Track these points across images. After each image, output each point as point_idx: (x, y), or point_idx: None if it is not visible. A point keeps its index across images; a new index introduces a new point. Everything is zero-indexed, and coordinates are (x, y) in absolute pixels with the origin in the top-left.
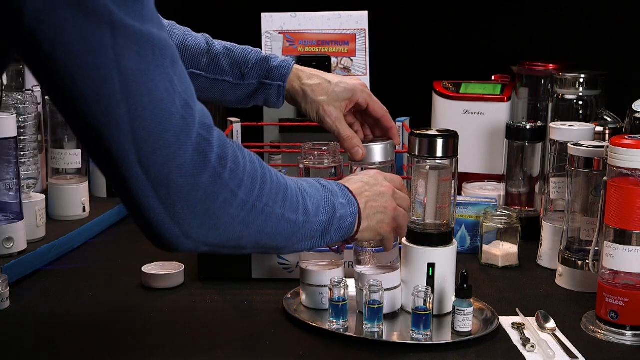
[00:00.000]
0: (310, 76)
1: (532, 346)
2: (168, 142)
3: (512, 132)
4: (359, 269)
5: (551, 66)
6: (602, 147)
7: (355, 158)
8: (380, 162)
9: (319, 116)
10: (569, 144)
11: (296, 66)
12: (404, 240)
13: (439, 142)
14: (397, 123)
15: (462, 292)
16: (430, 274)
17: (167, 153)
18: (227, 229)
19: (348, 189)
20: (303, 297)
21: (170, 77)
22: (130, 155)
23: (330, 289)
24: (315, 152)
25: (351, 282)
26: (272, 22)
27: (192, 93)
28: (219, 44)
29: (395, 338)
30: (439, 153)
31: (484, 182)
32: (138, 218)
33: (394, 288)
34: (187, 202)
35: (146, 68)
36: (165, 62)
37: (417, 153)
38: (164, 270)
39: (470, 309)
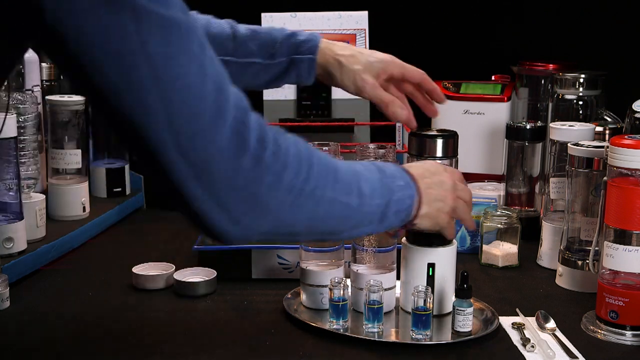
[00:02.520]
0: (343, 47)
1: (532, 346)
2: (204, 127)
3: (512, 132)
4: (355, 267)
5: (551, 66)
6: (602, 147)
7: (400, 119)
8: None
9: (356, 85)
10: (569, 144)
11: (324, 40)
12: (403, 240)
13: (439, 142)
14: (397, 123)
15: (462, 292)
16: (430, 274)
17: (204, 137)
18: (276, 215)
19: (407, 171)
20: (303, 297)
21: (199, 61)
22: (168, 143)
23: (330, 289)
24: None
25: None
26: (272, 22)
27: (225, 76)
28: (243, 28)
29: (395, 338)
30: (439, 153)
31: (484, 182)
32: (185, 210)
33: (391, 288)
34: (230, 187)
35: (174, 53)
36: (192, 46)
37: (416, 153)
38: (164, 270)
39: (470, 309)
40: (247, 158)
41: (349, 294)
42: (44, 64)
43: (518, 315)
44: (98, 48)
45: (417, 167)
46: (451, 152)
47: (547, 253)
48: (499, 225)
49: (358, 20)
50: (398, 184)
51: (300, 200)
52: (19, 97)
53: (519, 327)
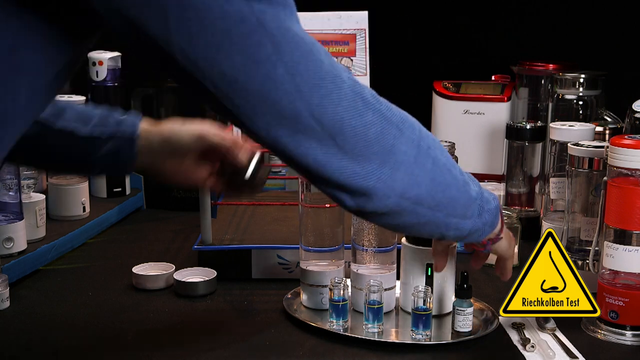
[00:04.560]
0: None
1: (532, 346)
2: (329, 89)
3: (512, 132)
4: (355, 267)
5: (551, 66)
6: (602, 147)
7: (244, 160)
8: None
9: (194, 134)
10: (569, 144)
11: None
12: (403, 240)
13: None
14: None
15: (462, 292)
16: (429, 273)
17: (332, 100)
18: (405, 169)
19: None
20: (303, 297)
21: (302, 30)
22: (303, 112)
23: (330, 289)
24: None
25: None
26: None
27: None
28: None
29: (395, 338)
30: None
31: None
32: (325, 178)
33: (391, 288)
34: (364, 142)
35: (287, 25)
36: (294, 16)
37: None
38: (164, 270)
39: (470, 309)
40: (370, 113)
41: (349, 294)
42: None
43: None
44: (223, 33)
45: None
46: None
47: None
48: None
49: (358, 20)
50: (479, 183)
51: (421, 157)
52: None
53: (519, 327)
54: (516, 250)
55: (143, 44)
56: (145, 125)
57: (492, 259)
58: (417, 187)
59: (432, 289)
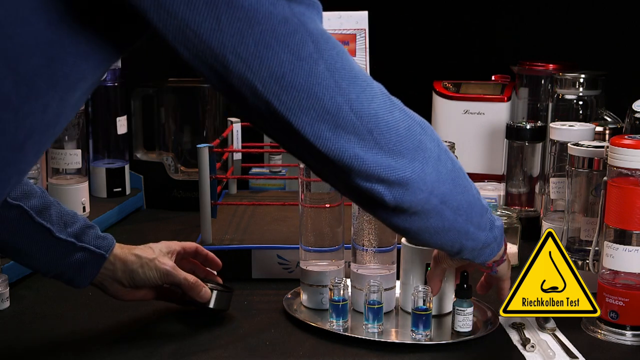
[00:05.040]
0: (134, 247)
1: (532, 346)
2: (363, 86)
3: (512, 132)
4: (355, 267)
5: (551, 66)
6: (602, 147)
7: (203, 300)
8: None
9: (161, 272)
10: (569, 144)
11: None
12: (403, 240)
13: None
14: None
15: (462, 292)
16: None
17: (366, 96)
18: (434, 164)
19: None
20: (303, 297)
21: (328, 33)
22: (343, 106)
23: (331, 289)
24: None
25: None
26: None
27: None
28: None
29: (395, 338)
30: None
31: (484, 182)
32: (363, 172)
33: (391, 288)
34: (397, 137)
35: (321, 27)
36: (321, 18)
37: None
38: None
39: (470, 309)
40: (396, 110)
41: (349, 294)
42: None
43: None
44: (269, 32)
45: None
46: None
47: None
48: None
49: (358, 20)
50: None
51: (442, 156)
52: None
53: (519, 327)
54: (516, 250)
55: (194, 48)
56: (117, 250)
57: None
58: (442, 185)
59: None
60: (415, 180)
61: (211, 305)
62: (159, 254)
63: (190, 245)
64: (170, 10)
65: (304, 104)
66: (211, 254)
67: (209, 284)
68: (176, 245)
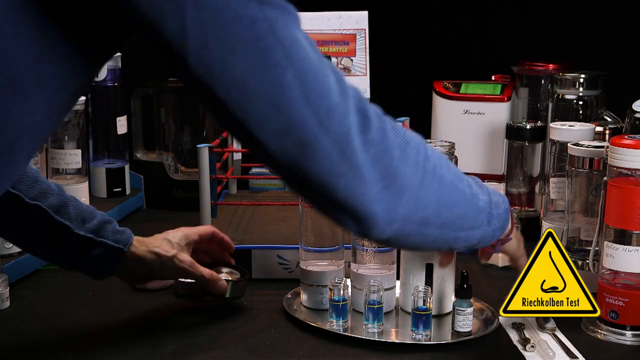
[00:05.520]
0: (152, 242)
1: (532, 346)
2: (336, 102)
3: (512, 132)
4: (355, 267)
5: (551, 66)
6: (602, 147)
7: (220, 292)
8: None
9: (179, 270)
10: (569, 144)
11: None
12: None
13: None
14: (397, 123)
15: (462, 292)
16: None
17: (339, 112)
18: (410, 192)
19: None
20: (303, 297)
21: (310, 42)
22: (310, 120)
23: (331, 289)
24: None
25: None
26: None
27: None
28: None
29: (395, 338)
30: None
31: (484, 182)
32: (329, 197)
33: (391, 288)
34: (369, 160)
35: (295, 34)
36: (300, 27)
37: None
38: None
39: (470, 309)
40: (374, 131)
41: (349, 294)
42: None
43: None
44: (233, 36)
45: None
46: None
47: None
48: None
49: (358, 20)
50: (488, 188)
51: (427, 179)
52: None
53: (519, 327)
54: None
55: (158, 45)
56: (135, 246)
57: (492, 259)
58: (422, 210)
59: (432, 289)
60: (383, 215)
61: (227, 295)
62: (178, 249)
63: (207, 231)
64: (135, 7)
65: (266, 116)
66: (226, 237)
67: (223, 273)
68: (194, 235)
